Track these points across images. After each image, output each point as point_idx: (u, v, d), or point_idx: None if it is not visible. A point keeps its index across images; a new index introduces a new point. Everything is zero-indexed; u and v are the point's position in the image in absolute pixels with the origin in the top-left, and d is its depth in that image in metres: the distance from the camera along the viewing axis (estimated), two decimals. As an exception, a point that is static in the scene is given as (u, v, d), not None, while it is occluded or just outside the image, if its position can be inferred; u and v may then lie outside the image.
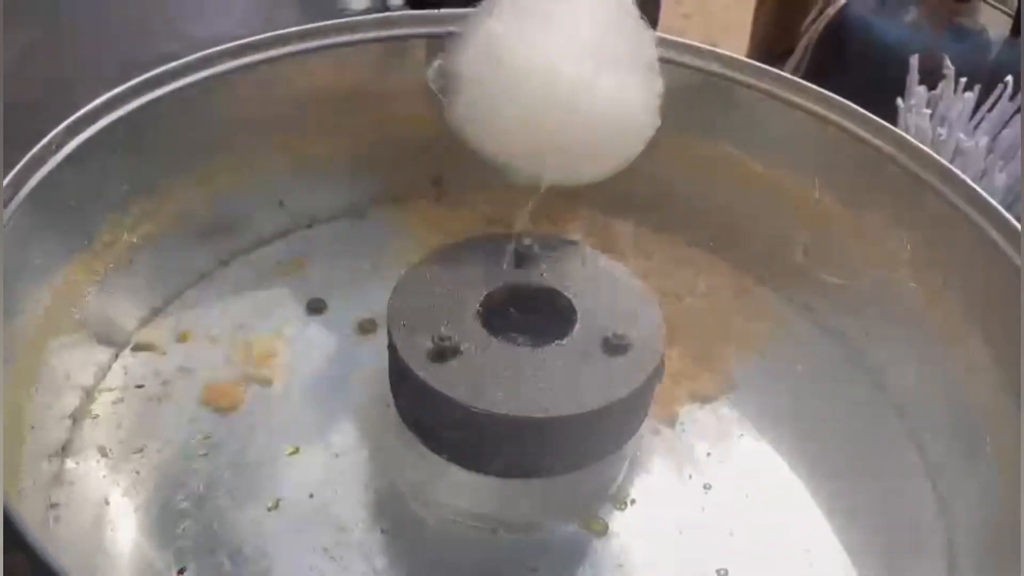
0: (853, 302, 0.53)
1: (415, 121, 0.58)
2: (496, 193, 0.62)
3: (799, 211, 0.54)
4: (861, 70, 0.86)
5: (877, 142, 0.51)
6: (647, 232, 0.59)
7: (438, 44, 0.54)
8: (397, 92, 0.57)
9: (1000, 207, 0.47)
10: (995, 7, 0.88)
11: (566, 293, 0.44)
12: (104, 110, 0.45)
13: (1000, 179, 0.70)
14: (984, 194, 0.48)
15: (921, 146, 0.51)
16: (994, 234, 0.46)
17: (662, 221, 0.59)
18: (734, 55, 0.55)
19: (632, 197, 0.59)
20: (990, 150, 0.71)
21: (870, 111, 0.52)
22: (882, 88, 0.75)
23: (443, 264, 0.45)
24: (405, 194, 0.60)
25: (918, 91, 0.74)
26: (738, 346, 0.53)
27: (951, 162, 0.70)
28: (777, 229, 0.55)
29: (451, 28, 0.55)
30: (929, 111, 0.73)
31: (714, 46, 0.55)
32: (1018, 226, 0.45)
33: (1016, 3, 0.85)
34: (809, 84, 0.53)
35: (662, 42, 0.55)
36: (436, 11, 0.56)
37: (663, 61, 0.54)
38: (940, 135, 0.71)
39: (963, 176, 0.49)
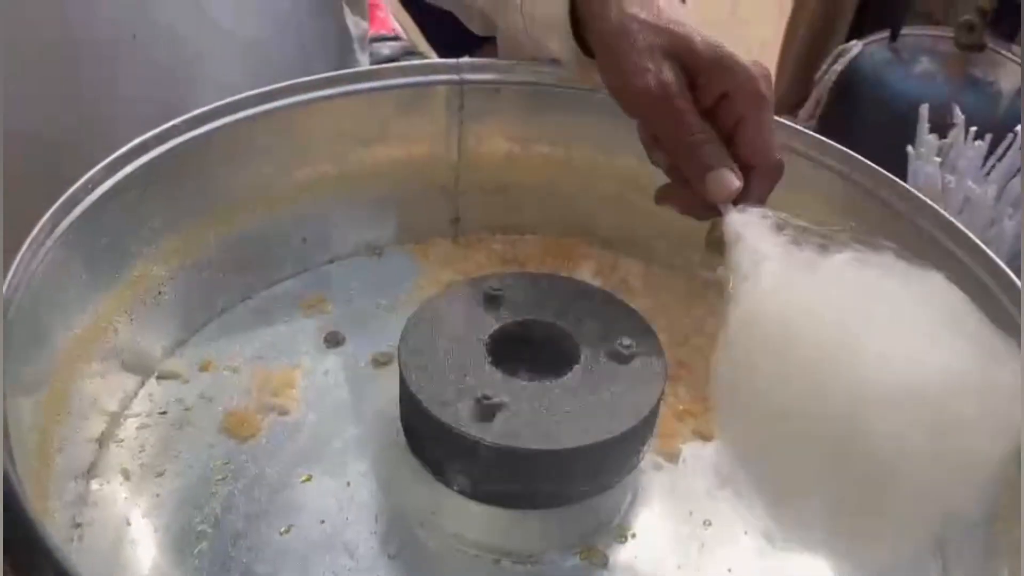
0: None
1: (434, 164, 0.61)
2: (511, 234, 0.64)
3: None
4: (873, 120, 0.88)
5: (894, 202, 0.52)
6: (656, 271, 0.61)
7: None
8: (417, 136, 0.60)
9: (1001, 262, 0.47)
10: (1008, 57, 0.89)
11: (570, 331, 0.45)
12: (138, 152, 0.48)
13: (1009, 227, 0.71)
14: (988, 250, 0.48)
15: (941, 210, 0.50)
16: (996, 291, 0.46)
17: (671, 260, 0.60)
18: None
19: (641, 236, 0.61)
20: (999, 198, 0.72)
21: (882, 160, 0.53)
22: (894, 137, 0.76)
23: (451, 302, 0.47)
24: (423, 233, 0.62)
25: (928, 140, 0.76)
26: (743, 386, 0.54)
27: (960, 210, 0.72)
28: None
29: (468, 76, 0.58)
30: (939, 159, 0.74)
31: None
32: (1019, 282, 0.45)
33: (1028, 54, 0.87)
34: (822, 137, 0.55)
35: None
36: (455, 60, 0.59)
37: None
38: (949, 183, 0.72)
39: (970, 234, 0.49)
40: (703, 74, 0.47)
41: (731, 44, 0.48)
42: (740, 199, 0.45)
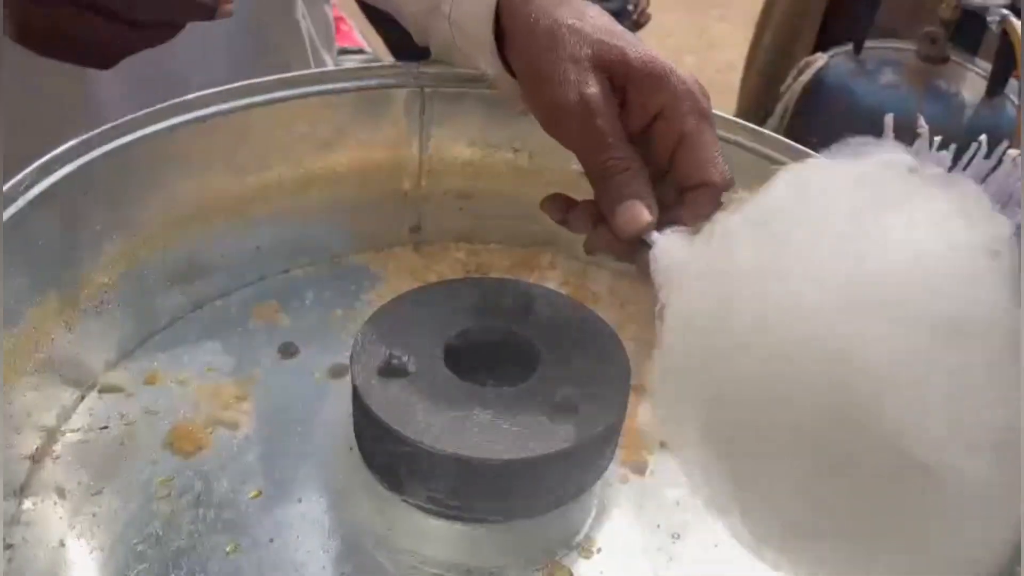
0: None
1: (394, 170, 0.59)
2: (474, 243, 0.63)
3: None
4: (839, 130, 0.87)
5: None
6: (624, 281, 0.59)
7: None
8: (377, 141, 0.58)
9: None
10: (971, 70, 0.90)
11: (532, 338, 0.44)
12: (78, 152, 0.45)
13: (975, 235, 0.70)
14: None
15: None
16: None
17: (639, 270, 0.59)
18: (724, 115, 0.56)
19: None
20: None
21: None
22: (860, 147, 0.76)
23: (411, 306, 0.45)
24: (382, 242, 0.61)
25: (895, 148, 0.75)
26: (711, 396, 0.53)
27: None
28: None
29: (430, 80, 0.57)
30: (906, 169, 0.74)
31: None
32: None
33: (991, 65, 0.87)
34: (791, 142, 0.54)
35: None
36: (417, 63, 0.57)
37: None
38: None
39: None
40: (636, 90, 0.43)
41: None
42: (687, 221, 0.41)
